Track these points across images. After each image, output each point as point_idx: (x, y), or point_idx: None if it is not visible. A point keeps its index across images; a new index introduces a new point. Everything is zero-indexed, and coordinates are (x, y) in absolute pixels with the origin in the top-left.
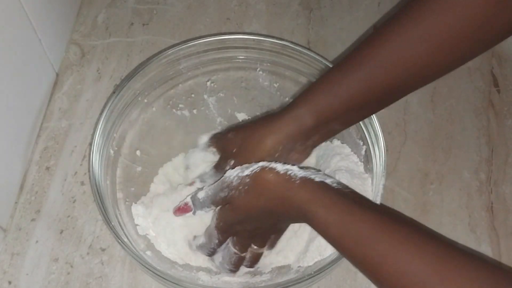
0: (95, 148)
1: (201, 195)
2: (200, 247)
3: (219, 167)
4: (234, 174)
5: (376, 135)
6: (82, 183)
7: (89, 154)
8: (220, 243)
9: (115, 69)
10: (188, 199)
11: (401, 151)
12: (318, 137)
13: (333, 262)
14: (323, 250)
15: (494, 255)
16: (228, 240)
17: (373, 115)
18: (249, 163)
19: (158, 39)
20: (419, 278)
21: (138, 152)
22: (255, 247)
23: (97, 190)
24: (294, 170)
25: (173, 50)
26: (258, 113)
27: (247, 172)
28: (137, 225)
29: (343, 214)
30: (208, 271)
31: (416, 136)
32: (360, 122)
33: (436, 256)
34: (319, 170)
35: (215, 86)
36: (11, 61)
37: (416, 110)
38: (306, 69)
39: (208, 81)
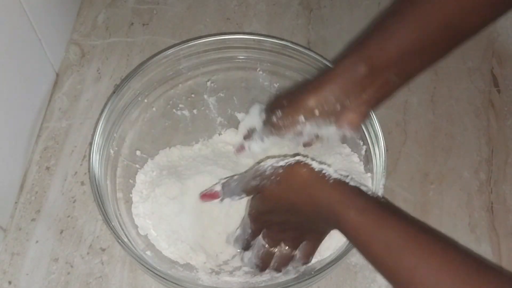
0: (95, 148)
1: (233, 182)
2: (236, 240)
3: (267, 121)
4: (268, 163)
5: (376, 135)
6: (82, 183)
7: (89, 154)
8: (254, 234)
9: (115, 69)
10: (218, 186)
11: (401, 151)
12: (373, 90)
13: (333, 262)
14: (323, 250)
15: (494, 255)
16: (261, 233)
17: (373, 115)
18: (298, 114)
19: (158, 39)
20: None
21: (138, 152)
22: (285, 246)
23: (97, 190)
24: (330, 170)
25: (173, 50)
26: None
27: (281, 163)
28: (137, 226)
29: (376, 219)
30: (208, 271)
31: (416, 136)
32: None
33: (466, 267)
34: (354, 178)
35: (215, 86)
36: (11, 61)
37: (416, 110)
38: (306, 69)
39: (208, 81)
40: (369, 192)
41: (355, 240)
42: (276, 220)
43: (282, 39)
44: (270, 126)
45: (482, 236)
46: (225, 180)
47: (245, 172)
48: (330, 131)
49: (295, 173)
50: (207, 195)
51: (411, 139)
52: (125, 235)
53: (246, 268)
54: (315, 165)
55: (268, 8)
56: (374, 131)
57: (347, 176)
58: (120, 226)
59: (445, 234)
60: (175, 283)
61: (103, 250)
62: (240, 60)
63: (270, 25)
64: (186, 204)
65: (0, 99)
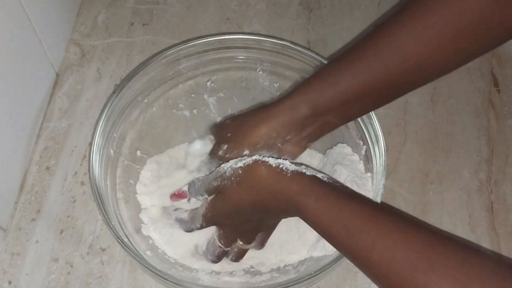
0: (95, 148)
1: (197, 183)
2: (179, 221)
3: (213, 153)
4: (228, 165)
5: (376, 135)
6: (82, 183)
7: (89, 154)
8: (201, 228)
9: (115, 69)
10: (185, 187)
11: (401, 151)
12: (313, 128)
13: (333, 262)
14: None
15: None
16: (215, 231)
17: (373, 115)
18: (242, 147)
19: (158, 39)
20: (408, 263)
21: (138, 152)
22: (241, 243)
23: (97, 190)
24: (286, 164)
25: (173, 50)
26: None
27: (240, 164)
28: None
29: (332, 204)
30: (208, 271)
31: (416, 136)
32: (360, 122)
33: (423, 242)
34: (309, 167)
35: (215, 86)
36: (11, 61)
37: (416, 110)
38: (306, 69)
39: (208, 81)
40: (325, 179)
41: (317, 226)
42: (235, 223)
43: (282, 39)
44: (217, 158)
45: (482, 236)
46: (192, 181)
47: (209, 174)
48: None
49: (254, 171)
50: (176, 195)
51: (411, 139)
52: (125, 235)
53: (246, 269)
54: (272, 161)
55: (268, 8)
56: (374, 131)
57: (303, 165)
58: (120, 226)
59: (405, 212)
60: (175, 283)
61: (103, 250)
62: (240, 60)
63: (270, 25)
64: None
65: (0, 99)
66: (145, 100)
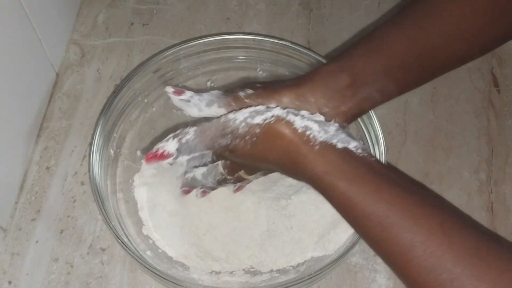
0: (95, 148)
1: (189, 137)
2: (191, 160)
3: (229, 93)
4: (240, 118)
5: (376, 135)
6: (82, 183)
7: (89, 154)
8: (212, 162)
9: (115, 69)
10: (170, 142)
11: (401, 151)
12: (353, 103)
13: (333, 262)
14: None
15: None
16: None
17: (373, 115)
18: (269, 101)
19: (158, 39)
20: (449, 276)
21: (138, 152)
22: (244, 173)
23: (97, 190)
24: (314, 130)
25: (173, 50)
26: None
27: (258, 120)
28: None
29: (368, 190)
30: (208, 271)
31: (416, 136)
32: (360, 122)
33: (471, 249)
34: (340, 129)
35: (215, 86)
36: (11, 61)
37: (416, 110)
38: (306, 69)
39: (208, 81)
40: (359, 151)
41: (346, 215)
42: (244, 164)
43: (282, 39)
44: (231, 98)
45: None
46: (177, 134)
47: (205, 123)
48: None
49: (275, 133)
50: (154, 155)
51: (411, 139)
52: (125, 235)
53: (246, 269)
54: (298, 123)
55: (268, 8)
56: (374, 131)
57: (336, 130)
58: (120, 226)
59: (448, 201)
60: (175, 283)
61: (103, 250)
62: (240, 60)
63: (270, 25)
64: (187, 204)
65: (0, 99)
66: (145, 100)
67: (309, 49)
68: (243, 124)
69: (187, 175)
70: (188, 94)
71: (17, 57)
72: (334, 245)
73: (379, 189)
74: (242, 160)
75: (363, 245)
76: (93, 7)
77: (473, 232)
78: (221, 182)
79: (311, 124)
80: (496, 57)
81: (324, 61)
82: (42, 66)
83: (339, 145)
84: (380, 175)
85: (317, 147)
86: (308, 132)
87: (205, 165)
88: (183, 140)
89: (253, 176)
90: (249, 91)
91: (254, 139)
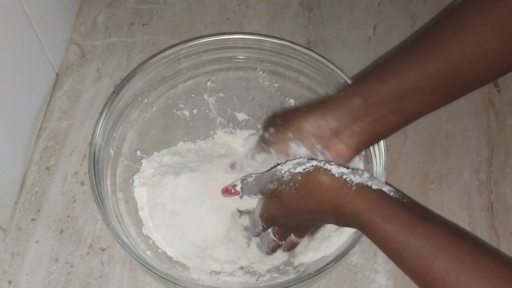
0: (95, 148)
1: (250, 181)
2: (246, 229)
3: (260, 137)
4: (285, 168)
5: None
6: (82, 183)
7: (89, 154)
8: (264, 230)
9: (115, 69)
10: (238, 183)
11: (401, 151)
12: (365, 124)
13: (333, 262)
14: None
15: None
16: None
17: None
18: (286, 131)
19: (158, 39)
20: None
21: (138, 152)
22: (294, 237)
23: (97, 190)
24: (349, 175)
25: (173, 50)
26: (258, 113)
27: (299, 169)
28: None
29: (404, 225)
30: (208, 271)
31: (416, 136)
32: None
33: (499, 277)
34: (372, 176)
35: (215, 86)
36: (11, 61)
37: None
38: (306, 69)
39: (208, 81)
40: (392, 193)
41: (385, 249)
42: (291, 223)
43: (282, 39)
44: (262, 142)
45: (482, 236)
46: (244, 178)
47: (263, 172)
48: (317, 155)
49: (315, 180)
50: (228, 191)
51: (411, 139)
52: (125, 235)
53: (246, 268)
54: (335, 170)
55: (268, 8)
56: None
57: (368, 177)
58: (120, 226)
59: (473, 234)
60: (175, 283)
61: (103, 250)
62: (240, 60)
63: (270, 25)
64: (187, 204)
65: (0, 99)
66: (145, 100)
67: (309, 49)
68: (287, 174)
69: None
70: (238, 185)
71: (17, 57)
72: (334, 245)
73: (413, 224)
74: (288, 212)
75: (363, 245)
76: (93, 7)
77: (500, 259)
78: (274, 249)
79: (346, 171)
80: None
81: (323, 61)
82: (42, 66)
83: (374, 187)
84: (413, 213)
85: (354, 188)
86: (344, 176)
87: (258, 235)
88: (245, 182)
89: (304, 237)
90: (272, 130)
91: (297, 185)
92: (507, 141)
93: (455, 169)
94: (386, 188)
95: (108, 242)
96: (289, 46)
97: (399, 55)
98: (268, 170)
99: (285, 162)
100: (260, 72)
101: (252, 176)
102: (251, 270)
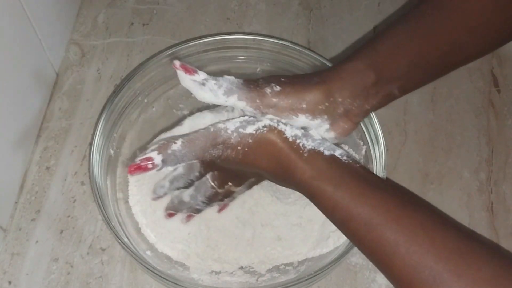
0: (95, 148)
1: (177, 149)
2: (176, 179)
3: (251, 85)
4: (231, 128)
5: (376, 135)
6: (82, 183)
7: (89, 154)
8: (201, 176)
9: (115, 69)
10: (155, 154)
11: (401, 151)
12: (375, 101)
13: (333, 262)
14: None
15: None
16: (209, 175)
17: (373, 115)
18: (299, 102)
19: (158, 39)
20: (431, 273)
21: (138, 152)
22: (231, 184)
23: (97, 190)
24: (302, 138)
25: (173, 50)
26: None
27: (250, 129)
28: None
29: (353, 194)
30: (208, 271)
31: (416, 136)
32: (360, 122)
33: (451, 249)
34: (325, 139)
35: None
36: (11, 61)
37: (416, 110)
38: (306, 69)
39: None
40: (344, 158)
41: (332, 217)
42: (232, 170)
43: (282, 39)
44: (256, 93)
45: None
46: (162, 143)
47: (193, 133)
48: (319, 130)
49: (267, 142)
50: (141, 168)
51: (411, 139)
52: (125, 235)
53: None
54: (289, 133)
55: (268, 8)
56: (374, 131)
57: (321, 140)
58: (120, 226)
59: (433, 206)
60: (175, 283)
61: (103, 250)
62: (240, 60)
63: (270, 25)
64: None
65: (0, 99)
66: (145, 100)
67: (309, 49)
68: (235, 134)
69: (172, 198)
70: (202, 75)
71: (17, 57)
72: (334, 245)
73: (363, 193)
74: (233, 166)
75: None
76: (93, 7)
77: (453, 230)
78: (212, 198)
79: (300, 133)
80: (496, 57)
81: (324, 61)
82: (42, 66)
83: (326, 152)
84: (364, 180)
85: (305, 154)
86: (298, 141)
87: (189, 185)
88: (169, 151)
89: (240, 188)
90: (277, 88)
91: (246, 149)
92: (507, 141)
93: (455, 169)
94: (338, 152)
95: (108, 242)
96: (289, 46)
97: (407, 23)
98: (199, 130)
99: (227, 120)
100: (260, 72)
101: (176, 142)
102: (251, 270)
